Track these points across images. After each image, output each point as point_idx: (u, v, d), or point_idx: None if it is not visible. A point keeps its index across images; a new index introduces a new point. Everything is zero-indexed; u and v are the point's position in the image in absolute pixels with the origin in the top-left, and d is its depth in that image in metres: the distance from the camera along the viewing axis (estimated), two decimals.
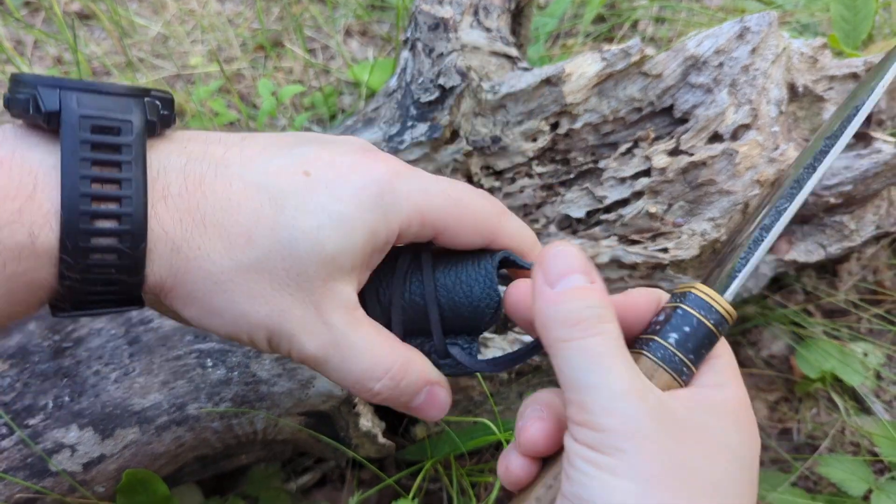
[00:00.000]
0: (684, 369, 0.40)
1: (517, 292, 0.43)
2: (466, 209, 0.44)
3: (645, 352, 0.40)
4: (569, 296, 0.38)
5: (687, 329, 0.40)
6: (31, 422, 0.67)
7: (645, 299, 0.43)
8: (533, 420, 0.41)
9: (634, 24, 1.32)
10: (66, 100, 0.36)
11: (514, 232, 0.46)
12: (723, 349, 0.41)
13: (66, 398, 0.68)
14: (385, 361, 0.43)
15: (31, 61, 1.43)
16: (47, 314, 0.70)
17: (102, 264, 0.37)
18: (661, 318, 0.41)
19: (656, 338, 0.40)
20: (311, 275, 0.40)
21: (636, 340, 0.42)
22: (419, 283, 0.45)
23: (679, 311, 0.40)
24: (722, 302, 0.40)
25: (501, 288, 0.45)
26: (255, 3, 1.44)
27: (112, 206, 0.36)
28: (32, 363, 0.68)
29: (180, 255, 0.38)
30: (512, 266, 0.47)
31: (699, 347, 0.40)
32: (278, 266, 0.39)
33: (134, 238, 0.37)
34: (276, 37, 1.41)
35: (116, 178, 0.36)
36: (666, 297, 0.43)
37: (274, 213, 0.39)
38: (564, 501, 0.36)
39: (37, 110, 0.36)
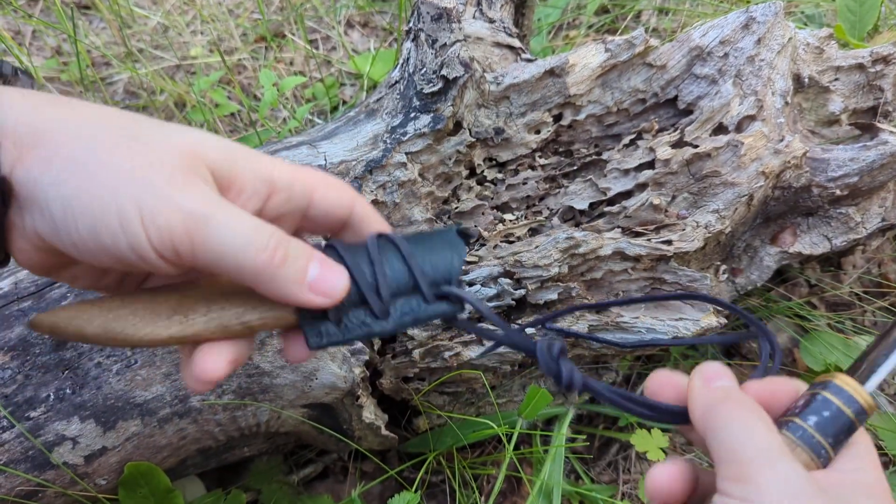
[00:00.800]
0: (822, 451, 0.41)
1: (658, 382, 0.47)
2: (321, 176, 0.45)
3: (784, 431, 0.42)
4: (723, 388, 0.43)
5: (826, 414, 0.42)
6: (33, 414, 0.67)
7: (784, 387, 0.45)
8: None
9: (637, 16, 1.31)
10: None
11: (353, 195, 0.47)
12: (861, 437, 0.43)
13: (68, 390, 0.68)
14: (262, 232, 0.40)
15: (30, 52, 1.42)
16: (47, 305, 0.69)
17: None
18: (801, 402, 0.43)
19: (796, 419, 0.42)
20: (165, 159, 0.39)
21: (775, 422, 0.43)
22: (395, 252, 0.45)
23: (819, 396, 0.43)
24: (863, 392, 0.42)
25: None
26: None
27: None
28: (34, 355, 0.68)
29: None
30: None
31: (838, 433, 0.42)
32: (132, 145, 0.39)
33: None
34: (276, 27, 1.40)
35: None
36: (804, 386, 0.45)
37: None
38: None
39: None
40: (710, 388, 0.43)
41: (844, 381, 0.42)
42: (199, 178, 0.39)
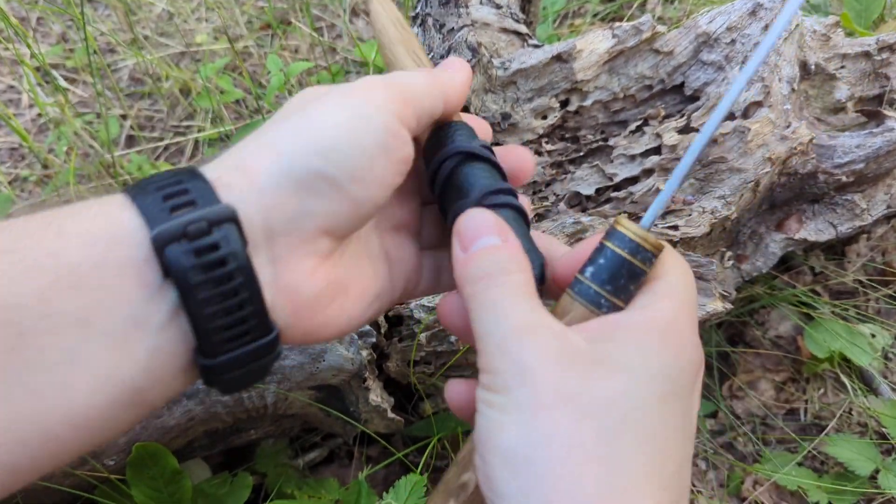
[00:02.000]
0: (602, 301, 0.39)
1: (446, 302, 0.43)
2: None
3: (568, 290, 0.40)
4: (478, 255, 0.39)
5: (602, 261, 0.39)
6: None
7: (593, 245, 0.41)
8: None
9: (643, 4, 1.31)
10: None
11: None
12: (664, 277, 0.39)
13: None
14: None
15: (36, 38, 1.42)
16: None
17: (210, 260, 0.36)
18: (588, 257, 0.41)
19: (578, 275, 0.40)
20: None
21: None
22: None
23: (598, 246, 0.40)
24: (637, 230, 0.40)
25: None
26: None
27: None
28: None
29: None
30: None
31: (615, 278, 0.39)
32: None
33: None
34: (282, 15, 1.40)
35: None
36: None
37: None
38: (478, 449, 0.36)
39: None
40: (470, 257, 0.39)
41: (621, 224, 0.39)
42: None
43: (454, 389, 0.42)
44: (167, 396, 0.38)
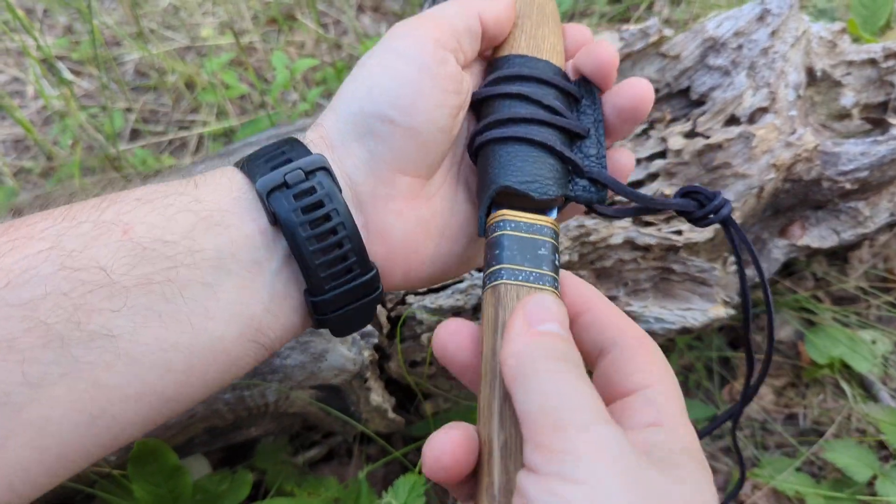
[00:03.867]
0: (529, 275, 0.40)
1: (448, 333, 0.40)
2: None
3: (497, 283, 0.40)
4: (548, 336, 0.36)
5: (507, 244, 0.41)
6: None
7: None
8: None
9: (650, 6, 1.31)
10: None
11: None
12: (660, 385, 0.36)
13: None
14: None
15: (42, 30, 1.42)
16: None
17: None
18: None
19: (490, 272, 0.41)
20: None
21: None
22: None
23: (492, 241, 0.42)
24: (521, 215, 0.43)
25: None
26: None
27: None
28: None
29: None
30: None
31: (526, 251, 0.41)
32: None
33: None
34: (287, 10, 1.40)
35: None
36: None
37: None
38: None
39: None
40: (532, 332, 0.35)
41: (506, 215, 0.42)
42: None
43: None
44: (283, 339, 0.42)
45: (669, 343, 0.97)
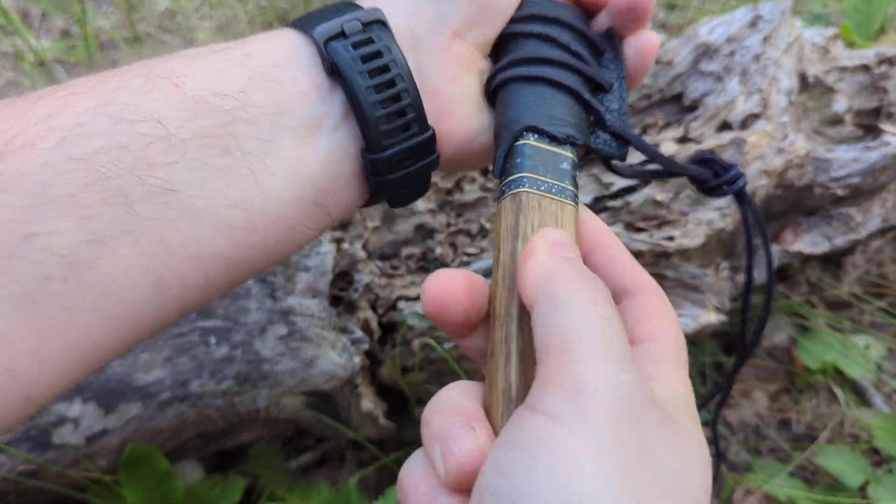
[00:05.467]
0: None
1: (440, 284, 0.37)
2: None
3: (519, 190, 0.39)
4: (576, 261, 0.34)
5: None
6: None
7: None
8: (463, 437, 0.32)
9: None
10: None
11: None
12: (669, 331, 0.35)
13: None
14: None
15: (39, 33, 1.43)
16: None
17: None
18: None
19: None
20: None
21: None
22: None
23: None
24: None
25: None
26: None
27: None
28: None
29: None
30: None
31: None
32: None
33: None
34: (283, 14, 1.40)
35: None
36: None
37: None
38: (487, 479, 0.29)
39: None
40: (557, 256, 0.33)
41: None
42: None
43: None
44: (342, 205, 0.41)
45: None
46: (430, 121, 0.42)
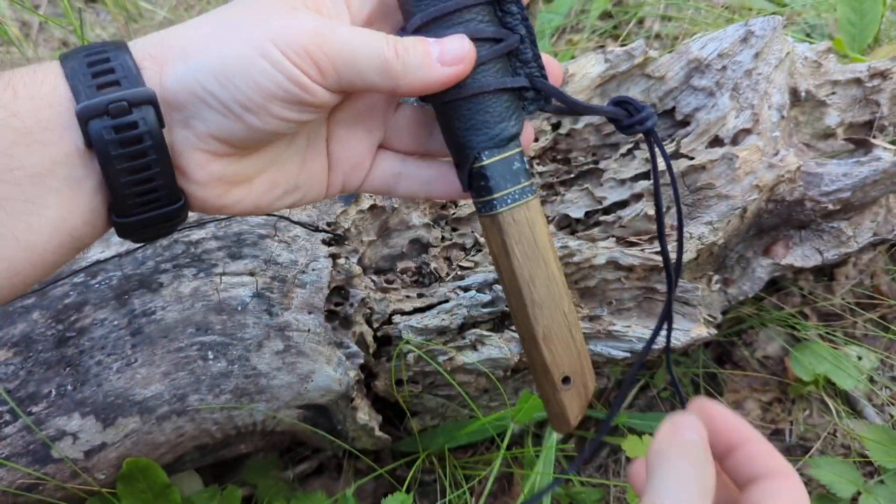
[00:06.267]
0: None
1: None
2: None
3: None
4: (690, 442, 0.41)
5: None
6: (35, 409, 0.68)
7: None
8: None
9: (641, 21, 1.32)
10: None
11: None
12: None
13: (69, 387, 0.69)
14: (377, 34, 0.43)
15: (37, 43, 1.44)
16: (50, 303, 0.71)
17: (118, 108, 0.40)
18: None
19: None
20: (274, 6, 0.43)
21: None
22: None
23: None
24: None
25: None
26: None
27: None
28: (36, 352, 0.69)
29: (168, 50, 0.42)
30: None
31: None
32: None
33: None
34: None
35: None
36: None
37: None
38: None
39: None
40: (676, 435, 0.41)
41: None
42: (306, 8, 0.43)
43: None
44: (97, 238, 0.44)
45: (656, 358, 0.98)
46: (184, 185, 0.44)
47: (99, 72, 0.40)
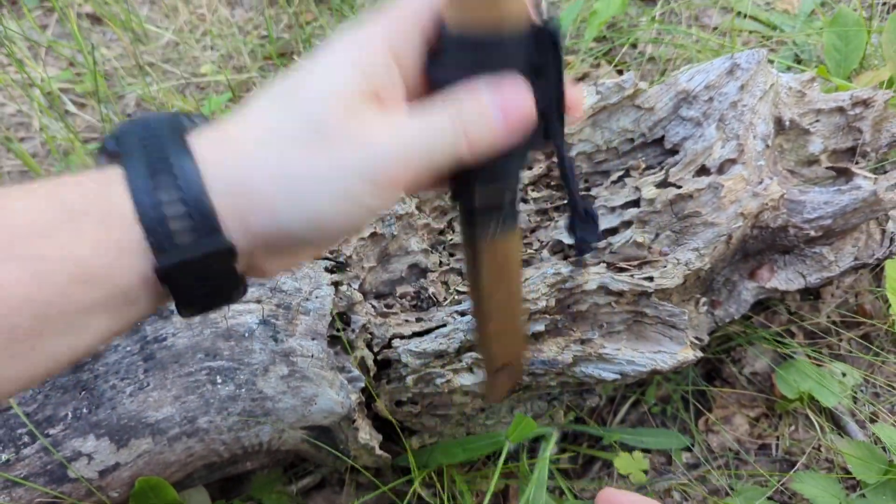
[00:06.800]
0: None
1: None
2: None
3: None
4: None
5: None
6: (52, 431, 0.72)
7: None
8: None
9: (634, 45, 1.35)
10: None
11: None
12: None
13: (85, 410, 0.73)
14: (433, 113, 0.41)
15: (45, 62, 1.47)
16: None
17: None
18: None
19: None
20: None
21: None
22: None
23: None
24: None
25: None
26: (264, 10, 1.48)
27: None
28: (54, 376, 0.73)
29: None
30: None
31: None
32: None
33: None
34: (285, 47, 1.44)
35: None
36: None
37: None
38: None
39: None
40: None
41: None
42: (367, 102, 0.41)
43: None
44: None
45: (648, 377, 1.02)
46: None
47: (169, 201, 0.38)
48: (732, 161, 0.84)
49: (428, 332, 0.80)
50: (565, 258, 0.87)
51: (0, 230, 0.37)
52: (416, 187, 0.44)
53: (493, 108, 0.40)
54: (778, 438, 1.00)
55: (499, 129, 0.41)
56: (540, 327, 0.82)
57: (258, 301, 0.76)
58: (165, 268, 0.38)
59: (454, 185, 0.48)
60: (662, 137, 0.88)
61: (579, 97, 0.46)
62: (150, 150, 0.39)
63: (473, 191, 0.47)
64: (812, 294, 1.07)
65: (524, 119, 0.41)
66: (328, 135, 0.39)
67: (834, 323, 1.05)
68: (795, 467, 0.96)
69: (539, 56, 0.41)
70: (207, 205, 0.38)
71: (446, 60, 0.41)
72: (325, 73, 0.41)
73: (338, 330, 0.78)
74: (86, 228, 0.38)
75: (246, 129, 0.41)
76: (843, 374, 1.00)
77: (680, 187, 0.83)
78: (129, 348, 0.74)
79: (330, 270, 0.79)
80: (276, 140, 0.40)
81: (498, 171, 0.46)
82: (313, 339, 0.75)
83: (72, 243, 0.37)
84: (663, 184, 0.85)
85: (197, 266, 0.39)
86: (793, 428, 1.01)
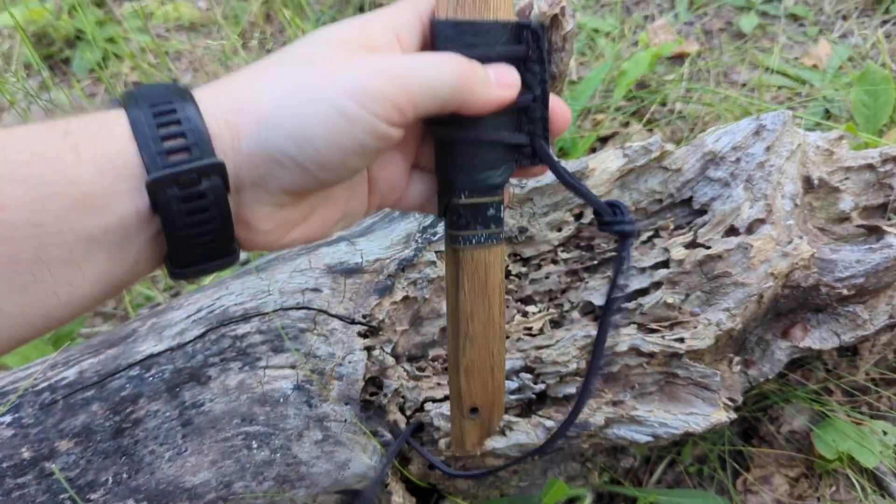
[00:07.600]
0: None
1: None
2: None
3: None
4: None
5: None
6: (93, 496, 0.74)
7: None
8: None
9: (663, 103, 1.37)
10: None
11: None
12: None
13: (125, 475, 0.74)
14: (444, 56, 0.45)
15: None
16: (108, 395, 0.77)
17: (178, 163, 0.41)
18: None
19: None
20: (334, 54, 0.44)
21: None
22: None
23: None
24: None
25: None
26: None
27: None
28: (95, 442, 0.75)
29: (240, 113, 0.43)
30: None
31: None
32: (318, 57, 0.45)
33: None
34: None
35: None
36: None
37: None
38: None
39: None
40: None
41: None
42: (364, 49, 0.45)
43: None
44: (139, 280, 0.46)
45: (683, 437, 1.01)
46: (241, 234, 0.46)
47: (168, 135, 0.40)
48: (761, 221, 0.84)
49: None
50: (595, 319, 0.88)
51: (2, 153, 0.38)
52: (415, 118, 0.45)
53: (488, 71, 0.47)
54: (819, 500, 0.98)
55: (491, 86, 0.46)
56: (571, 389, 0.82)
57: (293, 367, 0.78)
58: (156, 180, 0.40)
59: (442, 201, 0.52)
60: (690, 198, 0.88)
61: (564, 109, 0.52)
62: (155, 98, 0.42)
63: (458, 200, 0.50)
64: (849, 351, 1.06)
65: (513, 86, 0.48)
66: (320, 60, 0.43)
67: (873, 380, 1.04)
68: None
69: (525, 48, 0.48)
70: (203, 131, 0.41)
71: (439, 46, 0.47)
72: (326, 31, 0.46)
73: (371, 395, 0.79)
74: (85, 151, 0.40)
75: (248, 71, 0.45)
76: (885, 433, 0.99)
77: (709, 248, 0.84)
78: (167, 413, 0.76)
79: (363, 335, 0.81)
80: (272, 66, 0.45)
81: (481, 182, 0.50)
82: (346, 403, 0.76)
83: (72, 167, 0.39)
84: (692, 244, 0.85)
85: (188, 189, 0.41)
86: (833, 489, 0.99)
